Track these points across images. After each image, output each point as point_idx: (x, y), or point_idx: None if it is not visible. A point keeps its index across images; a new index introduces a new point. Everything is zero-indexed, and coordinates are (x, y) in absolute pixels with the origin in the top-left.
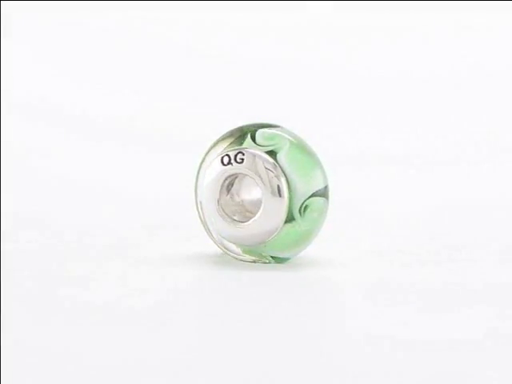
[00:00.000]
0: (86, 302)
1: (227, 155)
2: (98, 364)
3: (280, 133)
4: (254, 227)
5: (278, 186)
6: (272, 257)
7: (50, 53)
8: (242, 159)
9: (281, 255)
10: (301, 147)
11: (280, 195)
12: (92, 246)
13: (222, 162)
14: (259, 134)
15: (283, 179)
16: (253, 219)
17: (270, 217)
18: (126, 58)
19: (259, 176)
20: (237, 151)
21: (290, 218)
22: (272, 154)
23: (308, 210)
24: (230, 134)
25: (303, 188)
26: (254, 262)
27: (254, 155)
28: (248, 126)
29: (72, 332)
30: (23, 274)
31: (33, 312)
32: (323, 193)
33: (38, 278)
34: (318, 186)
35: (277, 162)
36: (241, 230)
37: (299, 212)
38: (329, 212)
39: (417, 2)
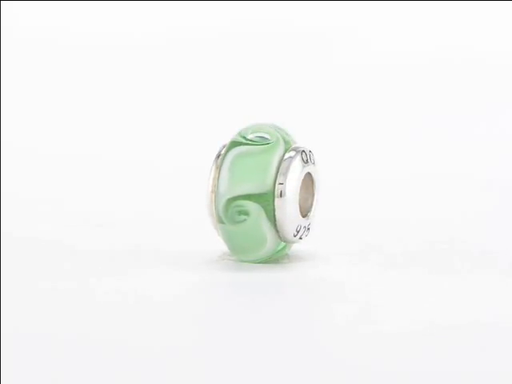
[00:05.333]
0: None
1: None
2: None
3: (264, 133)
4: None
5: (212, 180)
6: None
7: None
8: None
9: (239, 257)
10: (268, 150)
11: (211, 190)
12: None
13: None
14: (250, 128)
15: (218, 174)
16: None
17: (208, 212)
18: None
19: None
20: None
21: (219, 218)
22: (230, 147)
23: (235, 212)
24: None
25: (229, 188)
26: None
27: (219, 147)
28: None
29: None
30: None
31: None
32: (260, 199)
33: (49, 271)
34: (253, 189)
35: (224, 156)
36: None
37: (225, 212)
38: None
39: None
